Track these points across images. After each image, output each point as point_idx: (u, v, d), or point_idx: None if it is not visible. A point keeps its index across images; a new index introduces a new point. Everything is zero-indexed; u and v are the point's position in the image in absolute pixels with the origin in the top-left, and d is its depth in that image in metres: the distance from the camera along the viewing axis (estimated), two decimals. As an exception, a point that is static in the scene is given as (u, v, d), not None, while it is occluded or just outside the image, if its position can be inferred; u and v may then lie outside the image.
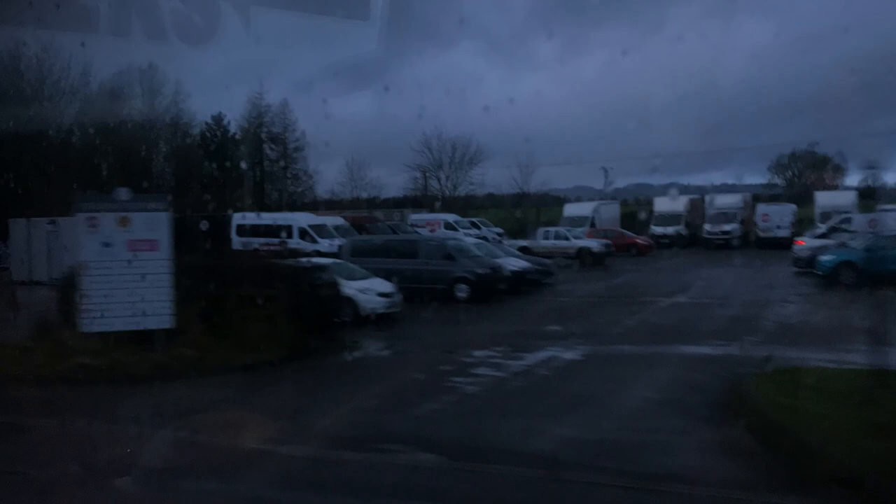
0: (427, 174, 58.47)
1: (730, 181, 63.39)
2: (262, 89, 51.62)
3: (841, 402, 7.83)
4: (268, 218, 30.31)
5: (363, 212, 43.77)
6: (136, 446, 7.57)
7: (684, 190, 49.36)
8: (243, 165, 52.14)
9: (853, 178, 56.07)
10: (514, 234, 39.87)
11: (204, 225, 20.72)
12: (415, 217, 41.78)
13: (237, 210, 31.65)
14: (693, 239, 40.35)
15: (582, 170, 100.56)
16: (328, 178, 66.79)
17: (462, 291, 19.88)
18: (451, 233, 34.76)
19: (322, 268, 16.35)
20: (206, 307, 12.69)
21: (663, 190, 47.88)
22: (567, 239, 33.07)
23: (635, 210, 46.47)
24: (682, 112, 65.11)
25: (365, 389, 10.67)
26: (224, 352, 12.08)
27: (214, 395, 10.36)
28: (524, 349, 13.11)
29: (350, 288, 16.30)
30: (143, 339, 11.84)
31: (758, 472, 6.83)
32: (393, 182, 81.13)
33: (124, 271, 11.85)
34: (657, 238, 40.00)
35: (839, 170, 59.81)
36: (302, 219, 29.35)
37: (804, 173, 62.27)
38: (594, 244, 32.65)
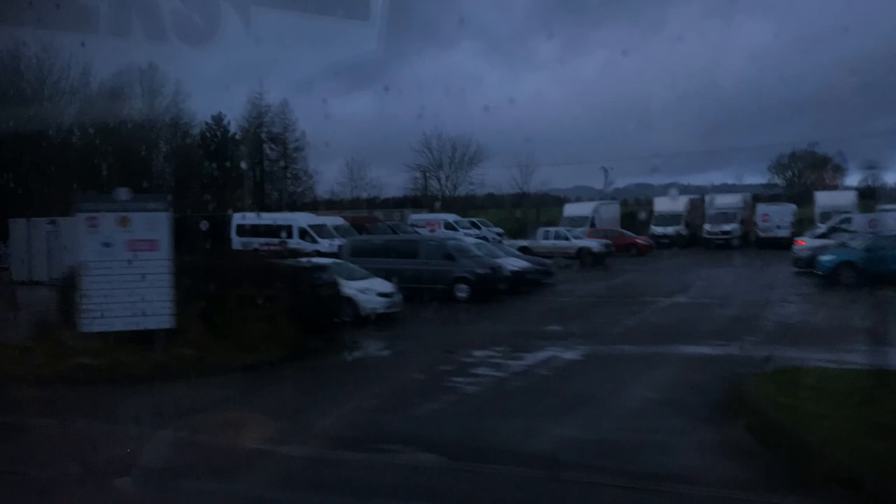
0: (427, 174, 58.54)
1: (730, 181, 63.51)
2: (262, 89, 51.74)
3: (841, 402, 7.83)
4: (268, 218, 30.30)
5: (363, 212, 43.77)
6: (136, 446, 7.57)
7: (684, 190, 49.43)
8: (243, 165, 52.16)
9: (853, 178, 56.21)
10: (514, 234, 39.86)
11: (204, 225, 20.71)
12: (415, 217, 41.78)
13: (237, 210, 31.64)
14: (693, 239, 40.34)
15: (582, 170, 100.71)
16: (328, 178, 66.90)
17: (462, 291, 19.88)
18: (451, 233, 34.75)
19: (322, 268, 16.35)
20: (206, 307, 12.69)
21: (663, 190, 47.95)
22: (567, 239, 33.06)
23: (635, 210, 46.46)
24: (682, 112, 65.20)
25: (365, 389, 10.67)
26: (224, 352, 12.08)
27: (214, 395, 10.36)
28: (524, 349, 13.10)
29: (350, 288, 16.30)
30: (143, 339, 11.84)
31: (758, 472, 6.83)
32: (393, 182, 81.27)
33: (124, 271, 11.84)
34: (657, 238, 39.99)
35: (839, 170, 59.92)
36: (302, 219, 29.34)
37: (804, 173, 62.28)
38: (594, 244, 32.65)
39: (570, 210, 45.02)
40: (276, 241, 20.26)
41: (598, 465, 7.09)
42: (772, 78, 71.63)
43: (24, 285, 22.01)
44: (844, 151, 56.31)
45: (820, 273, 21.58)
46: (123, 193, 12.41)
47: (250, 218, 29.17)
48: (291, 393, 10.60)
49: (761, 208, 40.50)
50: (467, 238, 28.06)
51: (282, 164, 54.92)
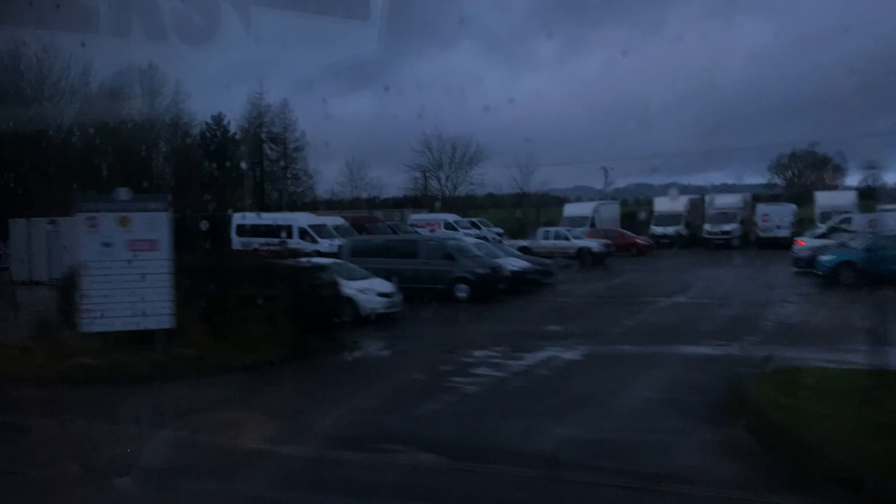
0: (427, 174, 58.55)
1: (730, 181, 63.53)
2: (262, 89, 51.74)
3: (841, 402, 7.83)
4: (268, 218, 30.31)
5: (363, 212, 43.76)
6: (136, 446, 7.57)
7: (684, 190, 49.44)
8: (243, 165, 52.17)
9: (853, 178, 56.22)
10: (514, 234, 39.86)
11: (204, 225, 20.71)
12: (415, 217, 41.77)
13: (237, 210, 31.64)
14: (693, 239, 40.35)
15: (582, 170, 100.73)
16: (328, 178, 66.93)
17: (462, 291, 19.88)
18: (451, 233, 34.75)
19: (322, 268, 16.35)
20: (206, 307, 12.69)
21: (663, 190, 47.95)
22: (567, 239, 33.06)
23: (635, 210, 46.46)
24: (682, 112, 65.22)
25: (365, 389, 10.67)
26: (224, 352, 12.08)
27: (214, 395, 10.36)
28: (524, 349, 13.10)
29: (350, 288, 16.30)
30: (143, 339, 11.84)
31: (758, 472, 6.83)
32: (393, 182, 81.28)
33: (124, 271, 11.85)
34: (657, 238, 40.00)
35: (839, 170, 59.94)
36: (302, 219, 29.35)
37: (804, 173, 62.29)
38: (594, 244, 32.65)
39: (570, 210, 45.03)
40: (276, 241, 20.26)
41: (598, 465, 7.09)
42: (772, 78, 71.77)
43: (24, 285, 22.01)
44: (844, 151, 56.42)
45: (820, 273, 21.58)
46: (123, 193, 12.41)
47: (250, 218, 29.17)
48: (291, 393, 10.61)
49: (761, 208, 40.50)
50: (467, 238, 28.06)
51: (282, 164, 54.93)
